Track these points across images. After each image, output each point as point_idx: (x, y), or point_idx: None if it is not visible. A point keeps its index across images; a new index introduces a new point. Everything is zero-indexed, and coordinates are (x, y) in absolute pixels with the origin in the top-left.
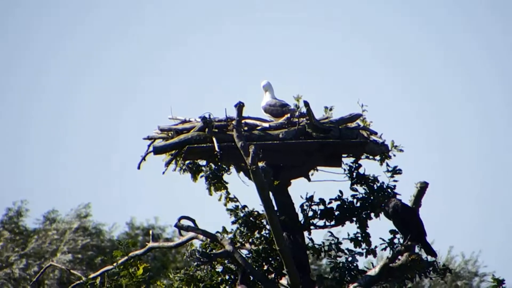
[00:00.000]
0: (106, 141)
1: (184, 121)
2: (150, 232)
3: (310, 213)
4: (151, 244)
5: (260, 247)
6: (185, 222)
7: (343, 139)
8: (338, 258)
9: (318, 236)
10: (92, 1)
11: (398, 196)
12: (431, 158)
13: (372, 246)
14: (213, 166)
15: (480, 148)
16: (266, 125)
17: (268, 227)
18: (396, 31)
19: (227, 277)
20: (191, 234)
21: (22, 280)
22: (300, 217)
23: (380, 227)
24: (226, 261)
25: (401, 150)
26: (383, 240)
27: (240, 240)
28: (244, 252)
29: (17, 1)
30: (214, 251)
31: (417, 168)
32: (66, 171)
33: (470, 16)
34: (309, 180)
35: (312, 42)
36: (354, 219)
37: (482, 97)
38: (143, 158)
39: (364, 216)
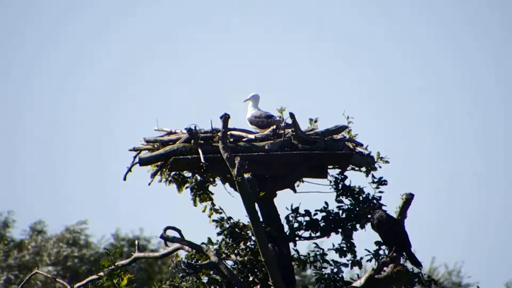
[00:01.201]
0: (92, 153)
1: (170, 133)
2: (136, 242)
3: (296, 224)
4: (136, 254)
5: (246, 258)
6: (170, 233)
7: (329, 151)
8: (323, 270)
9: (303, 248)
10: (72, 12)
11: (383, 208)
12: (416, 169)
13: (358, 258)
14: (198, 177)
15: (463, 160)
16: (251, 136)
17: (253, 238)
18: (381, 41)
19: None
20: (176, 245)
21: None
22: (286, 228)
23: (366, 239)
24: (211, 272)
25: (386, 162)
26: (369, 251)
27: (226, 251)
28: (229, 263)
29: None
30: (199, 262)
31: (402, 179)
32: (53, 182)
33: (460, 19)
34: (294, 191)
35: (295, 54)
36: (340, 230)
37: (471, 103)
38: (129, 170)
39: (350, 227)
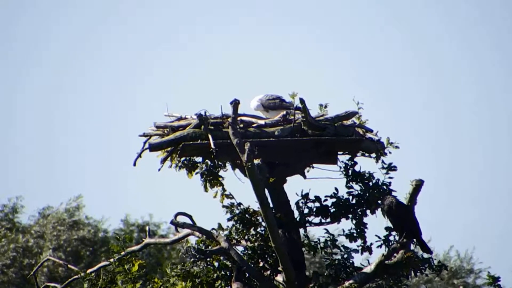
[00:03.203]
0: (101, 138)
1: (180, 118)
2: (146, 228)
3: (306, 210)
4: (147, 240)
5: (256, 244)
6: (181, 219)
7: (339, 137)
8: (333, 255)
9: (313, 233)
10: None
11: (393, 193)
12: (427, 155)
13: (368, 243)
14: (209, 162)
15: (474, 144)
16: (261, 122)
17: (263, 224)
18: (393, 25)
19: (222, 273)
20: (187, 230)
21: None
22: (296, 214)
23: (376, 225)
24: (221, 258)
25: (396, 147)
26: (379, 237)
27: (236, 237)
28: (239, 249)
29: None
30: (209, 247)
31: (413, 165)
32: (62, 168)
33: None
34: (304, 177)
35: (306, 39)
36: (350, 216)
37: (479, 91)
38: (139, 155)
39: (360, 213)
